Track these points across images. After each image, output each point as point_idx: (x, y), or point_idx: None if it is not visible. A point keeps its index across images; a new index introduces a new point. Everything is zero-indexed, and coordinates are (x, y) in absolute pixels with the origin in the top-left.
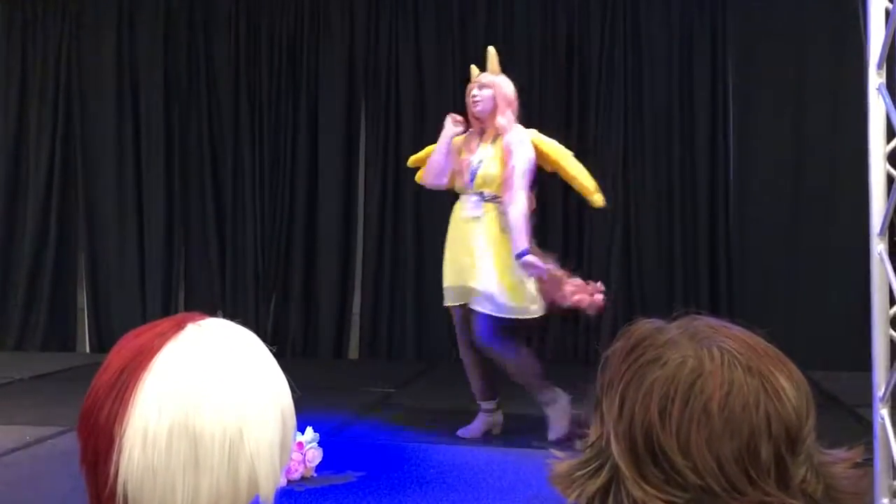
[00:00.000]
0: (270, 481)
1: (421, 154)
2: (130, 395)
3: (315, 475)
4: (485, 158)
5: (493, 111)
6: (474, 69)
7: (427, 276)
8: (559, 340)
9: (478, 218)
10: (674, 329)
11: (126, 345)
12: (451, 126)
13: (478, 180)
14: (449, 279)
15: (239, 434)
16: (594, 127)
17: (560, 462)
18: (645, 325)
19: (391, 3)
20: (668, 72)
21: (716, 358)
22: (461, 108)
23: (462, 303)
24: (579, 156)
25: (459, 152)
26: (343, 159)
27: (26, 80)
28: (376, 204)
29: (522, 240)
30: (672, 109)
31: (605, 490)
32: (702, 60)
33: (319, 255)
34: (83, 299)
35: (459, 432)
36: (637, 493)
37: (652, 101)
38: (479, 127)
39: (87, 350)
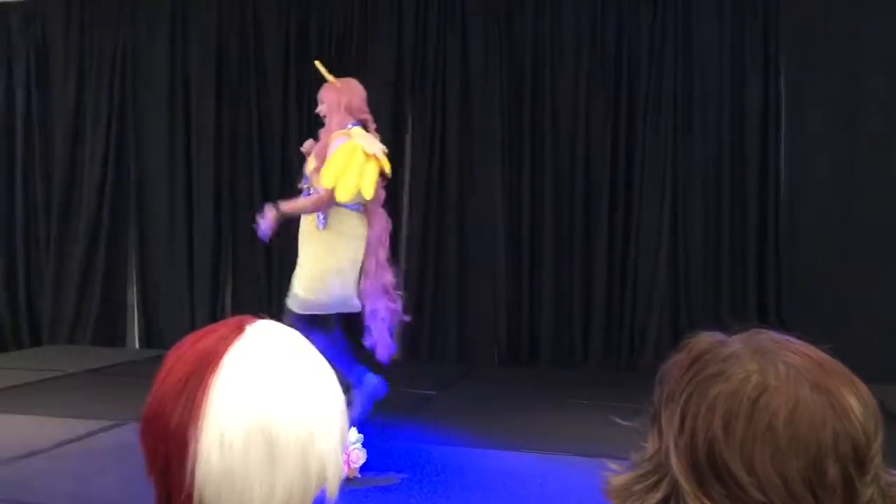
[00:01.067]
0: (336, 477)
1: None
2: (202, 399)
3: (359, 476)
4: None
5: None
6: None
7: (470, 278)
8: (602, 348)
9: None
10: (736, 343)
11: (188, 350)
12: None
13: None
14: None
15: (310, 433)
16: (641, 133)
17: (616, 475)
18: (706, 338)
19: (438, 10)
20: (719, 77)
21: (781, 374)
22: (508, 107)
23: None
24: (628, 162)
25: None
26: (389, 156)
27: (83, 79)
28: (421, 203)
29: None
30: (722, 114)
31: (664, 503)
32: (754, 66)
33: None
34: (133, 296)
35: None
36: None
37: (702, 105)
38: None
39: (137, 346)
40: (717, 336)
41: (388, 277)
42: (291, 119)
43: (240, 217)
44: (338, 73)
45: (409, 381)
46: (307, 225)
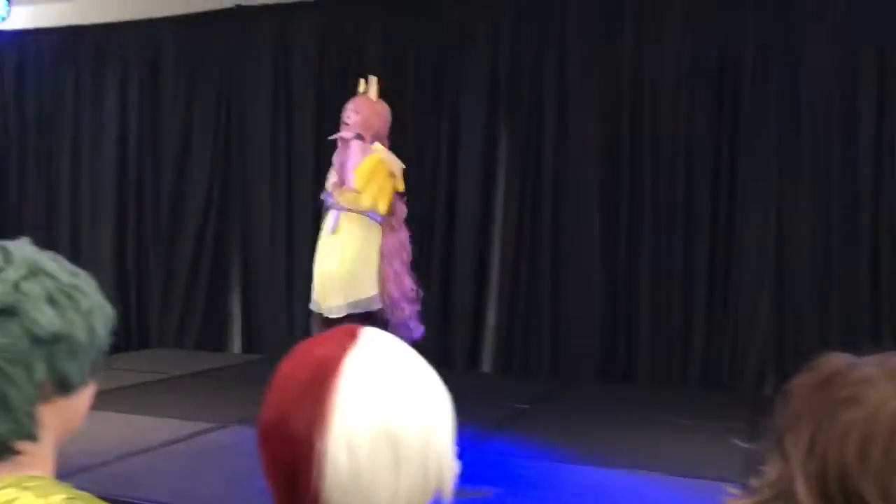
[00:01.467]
0: (452, 478)
1: None
2: (326, 403)
3: None
4: None
5: None
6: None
7: (564, 292)
8: (701, 367)
9: None
10: (869, 366)
11: (305, 357)
12: None
13: None
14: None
15: (429, 433)
16: (745, 147)
17: (736, 500)
18: (836, 361)
19: (537, 20)
20: (828, 86)
21: None
22: (605, 121)
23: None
24: (730, 176)
25: None
26: (482, 172)
27: (191, 97)
28: (514, 216)
29: None
30: (831, 125)
31: None
32: (867, 73)
33: (456, 266)
34: (235, 303)
35: None
36: None
37: (810, 117)
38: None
39: (238, 350)
40: (847, 358)
41: (408, 283)
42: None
43: None
44: (434, 92)
45: (501, 394)
46: (345, 232)
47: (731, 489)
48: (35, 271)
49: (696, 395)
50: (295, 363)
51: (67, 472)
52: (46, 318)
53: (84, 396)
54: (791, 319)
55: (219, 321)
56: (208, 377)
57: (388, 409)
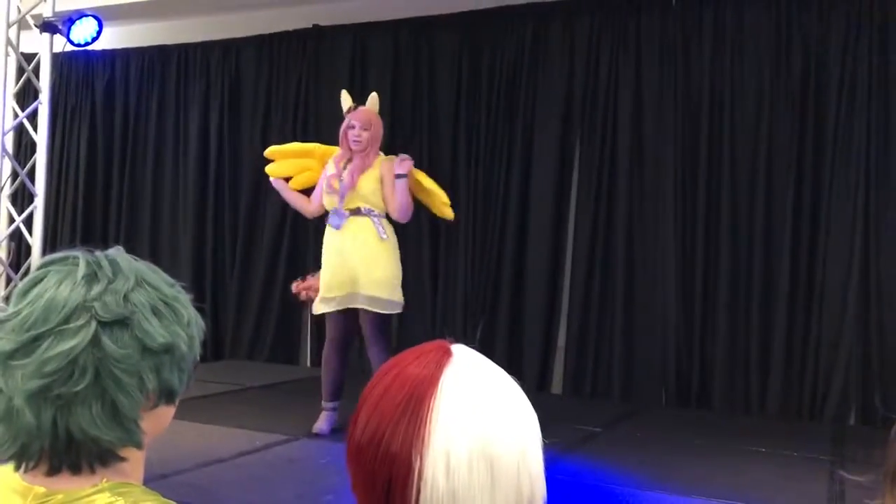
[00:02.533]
0: (542, 497)
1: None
2: (425, 421)
3: None
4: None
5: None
6: (348, 98)
7: (637, 314)
8: (781, 394)
9: None
10: None
11: (400, 373)
12: None
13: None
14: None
15: (524, 455)
16: (830, 164)
17: None
18: None
19: (612, 36)
20: None
21: None
22: (682, 139)
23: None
24: (814, 195)
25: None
26: (555, 191)
27: (269, 112)
28: (587, 236)
29: None
30: None
31: None
32: None
33: (527, 286)
34: (307, 317)
35: (316, 428)
36: None
37: None
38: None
39: (308, 364)
40: None
41: None
42: (460, 155)
43: (408, 245)
44: (509, 108)
45: (572, 416)
46: (367, 234)
47: None
48: (140, 282)
49: (776, 424)
50: (390, 381)
51: (144, 480)
52: (156, 330)
53: (174, 406)
54: (878, 346)
55: (290, 335)
56: (279, 389)
57: (487, 428)
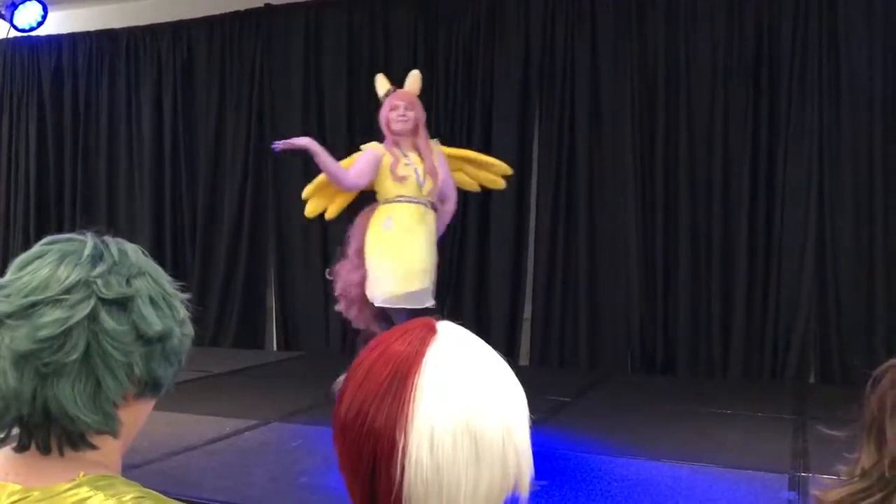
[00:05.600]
0: (529, 472)
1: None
2: (409, 398)
3: None
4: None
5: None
6: (385, 81)
7: (601, 284)
8: (743, 357)
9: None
10: None
11: (385, 351)
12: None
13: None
14: (414, 283)
15: (508, 430)
16: (784, 133)
17: (828, 490)
18: None
19: (567, 11)
20: (868, 72)
21: None
22: (639, 111)
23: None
24: (769, 164)
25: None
26: (516, 163)
27: (223, 93)
28: (549, 207)
29: None
30: (874, 110)
31: None
32: None
33: (492, 259)
34: (272, 301)
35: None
36: None
37: (851, 102)
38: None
39: (275, 348)
40: None
41: None
42: None
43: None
44: (466, 83)
45: (541, 387)
46: (433, 234)
47: (821, 477)
48: (143, 272)
49: (739, 386)
50: (374, 359)
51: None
52: (153, 318)
53: (153, 402)
54: (835, 306)
55: (255, 319)
56: (246, 375)
57: (470, 404)
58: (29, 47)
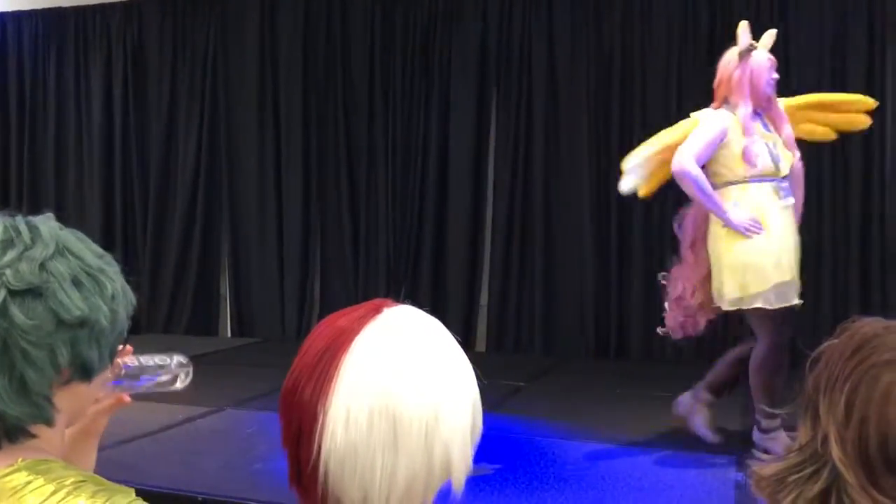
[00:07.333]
0: (462, 467)
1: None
2: (333, 374)
3: None
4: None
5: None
6: (746, 29)
7: (557, 270)
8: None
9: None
10: None
11: (327, 327)
12: None
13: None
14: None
15: (435, 418)
16: None
17: (764, 465)
18: (870, 325)
19: None
20: (818, 66)
21: None
22: (595, 96)
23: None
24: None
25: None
26: (473, 149)
27: (176, 76)
28: (506, 193)
29: None
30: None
31: (824, 495)
32: (856, 55)
33: (448, 245)
34: (225, 287)
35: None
36: (863, 502)
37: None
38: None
39: (228, 335)
40: (882, 322)
41: None
42: (377, 110)
43: (328, 209)
44: (421, 64)
45: (496, 372)
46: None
47: (760, 454)
48: (61, 250)
49: (689, 370)
50: (320, 331)
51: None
52: (73, 302)
53: (98, 382)
54: None
55: (208, 305)
56: (200, 362)
57: (392, 386)
58: None
